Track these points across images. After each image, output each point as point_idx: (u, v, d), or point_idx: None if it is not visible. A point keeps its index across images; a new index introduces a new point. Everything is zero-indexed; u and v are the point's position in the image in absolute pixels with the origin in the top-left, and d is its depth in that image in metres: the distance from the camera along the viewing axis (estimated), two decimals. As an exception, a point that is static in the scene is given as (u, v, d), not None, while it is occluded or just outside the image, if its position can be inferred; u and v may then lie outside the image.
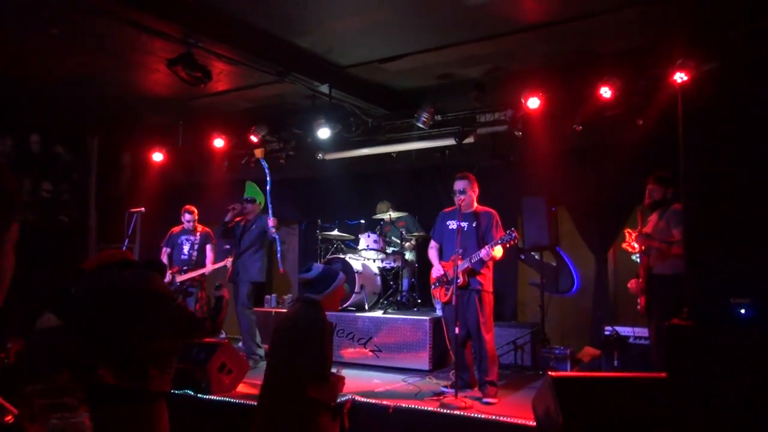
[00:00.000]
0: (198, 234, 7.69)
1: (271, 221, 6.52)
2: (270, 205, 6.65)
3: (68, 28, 5.52)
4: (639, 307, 5.02)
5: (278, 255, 6.62)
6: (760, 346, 2.87)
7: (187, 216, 7.69)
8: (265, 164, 7.03)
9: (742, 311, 2.92)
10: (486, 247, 4.98)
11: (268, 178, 6.82)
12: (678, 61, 5.58)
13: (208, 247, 7.68)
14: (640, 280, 5.02)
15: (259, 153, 7.49)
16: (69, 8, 4.95)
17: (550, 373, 3.57)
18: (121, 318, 3.15)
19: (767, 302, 2.93)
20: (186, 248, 7.62)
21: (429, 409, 4.66)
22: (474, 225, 5.17)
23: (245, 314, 6.72)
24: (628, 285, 5.19)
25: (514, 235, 4.88)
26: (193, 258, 7.59)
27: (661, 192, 5.04)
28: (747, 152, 3.61)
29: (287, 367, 3.28)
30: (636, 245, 5.08)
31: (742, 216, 3.12)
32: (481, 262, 5.05)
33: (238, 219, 7.02)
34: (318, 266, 3.54)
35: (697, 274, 3.16)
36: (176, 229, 7.78)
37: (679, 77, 5.60)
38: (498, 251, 5.03)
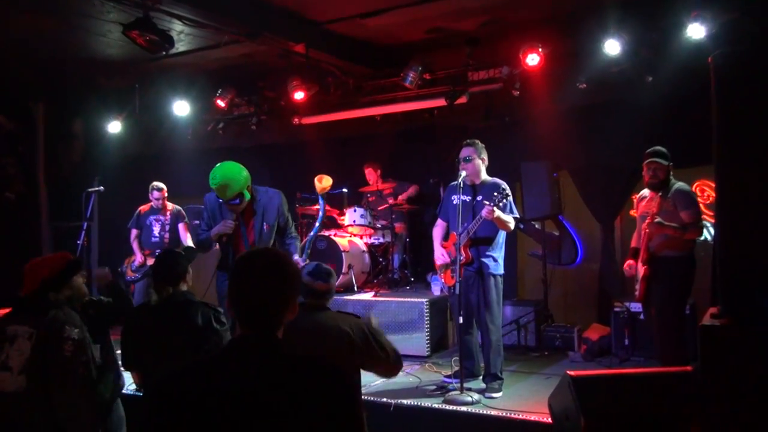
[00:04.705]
0: (168, 213, 7.46)
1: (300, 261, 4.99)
2: (307, 251, 5.56)
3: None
4: (637, 293, 4.90)
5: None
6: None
7: (156, 194, 7.42)
8: (322, 202, 5.87)
9: (782, 309, 2.90)
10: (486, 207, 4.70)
11: (318, 220, 5.93)
12: (693, 12, 5.44)
13: (181, 226, 7.45)
14: (641, 264, 4.85)
15: (320, 187, 5.65)
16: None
17: (568, 372, 3.53)
18: None
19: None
20: (156, 229, 7.40)
21: (433, 405, 4.63)
22: (480, 199, 4.95)
23: None
24: (624, 267, 5.11)
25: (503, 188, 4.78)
26: (165, 240, 7.38)
27: (665, 170, 4.84)
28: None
29: None
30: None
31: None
32: (487, 230, 4.92)
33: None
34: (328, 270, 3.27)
35: (731, 269, 3.09)
36: (144, 208, 7.53)
37: (694, 30, 5.47)
38: (503, 216, 4.81)
